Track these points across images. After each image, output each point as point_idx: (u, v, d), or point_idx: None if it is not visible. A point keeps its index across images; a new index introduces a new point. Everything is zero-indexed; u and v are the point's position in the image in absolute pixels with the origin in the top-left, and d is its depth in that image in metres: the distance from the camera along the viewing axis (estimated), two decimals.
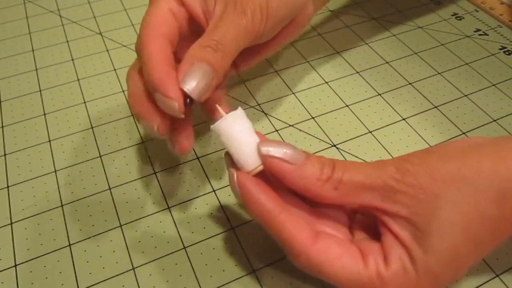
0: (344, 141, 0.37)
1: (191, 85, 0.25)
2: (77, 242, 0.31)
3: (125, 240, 0.31)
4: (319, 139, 0.37)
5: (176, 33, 0.29)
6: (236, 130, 0.25)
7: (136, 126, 0.38)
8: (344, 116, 0.39)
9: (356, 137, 0.37)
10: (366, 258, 0.24)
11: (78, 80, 0.43)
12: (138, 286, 0.29)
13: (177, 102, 0.25)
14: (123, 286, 0.29)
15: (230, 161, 0.25)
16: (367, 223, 0.26)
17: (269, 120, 0.38)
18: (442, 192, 0.23)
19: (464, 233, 0.23)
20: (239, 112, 0.25)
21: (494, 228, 0.23)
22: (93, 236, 0.31)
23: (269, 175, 0.26)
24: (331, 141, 0.37)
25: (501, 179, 0.23)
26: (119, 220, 0.32)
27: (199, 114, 0.39)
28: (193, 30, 0.30)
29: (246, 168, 0.24)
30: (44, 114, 0.39)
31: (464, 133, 0.37)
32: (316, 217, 0.26)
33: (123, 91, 0.41)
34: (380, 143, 0.36)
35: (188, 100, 0.26)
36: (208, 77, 0.26)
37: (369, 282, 0.23)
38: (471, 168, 0.23)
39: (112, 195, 0.33)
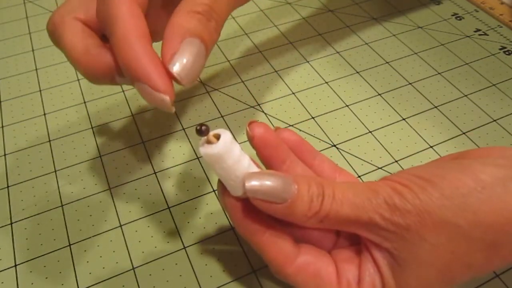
0: (344, 141, 0.37)
1: (182, 68, 0.21)
2: (77, 242, 0.31)
3: (125, 240, 0.31)
4: (319, 139, 0.37)
5: None
6: (221, 162, 0.22)
7: (136, 126, 0.38)
8: (344, 116, 0.39)
9: (356, 137, 0.37)
10: (340, 278, 0.24)
11: (78, 80, 0.43)
12: (138, 286, 0.29)
13: (169, 95, 0.20)
14: (123, 286, 0.29)
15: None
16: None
17: (269, 120, 0.38)
18: (429, 236, 0.22)
19: (441, 275, 0.22)
20: (224, 141, 0.21)
21: (476, 273, 0.23)
22: (93, 236, 0.31)
23: None
24: (331, 141, 0.37)
25: (497, 231, 0.21)
26: (119, 220, 0.32)
27: (199, 114, 0.39)
28: None
29: (232, 193, 0.23)
30: (44, 114, 0.39)
31: (464, 133, 0.37)
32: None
33: (123, 91, 0.41)
34: (380, 143, 0.36)
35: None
36: (202, 57, 0.21)
37: None
38: (468, 218, 0.21)
39: (112, 195, 0.33)
